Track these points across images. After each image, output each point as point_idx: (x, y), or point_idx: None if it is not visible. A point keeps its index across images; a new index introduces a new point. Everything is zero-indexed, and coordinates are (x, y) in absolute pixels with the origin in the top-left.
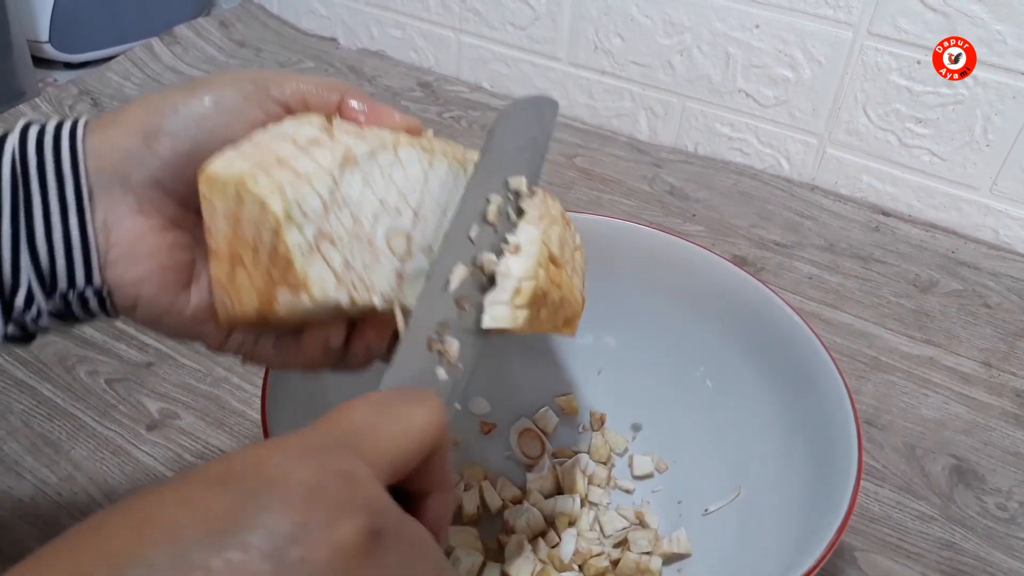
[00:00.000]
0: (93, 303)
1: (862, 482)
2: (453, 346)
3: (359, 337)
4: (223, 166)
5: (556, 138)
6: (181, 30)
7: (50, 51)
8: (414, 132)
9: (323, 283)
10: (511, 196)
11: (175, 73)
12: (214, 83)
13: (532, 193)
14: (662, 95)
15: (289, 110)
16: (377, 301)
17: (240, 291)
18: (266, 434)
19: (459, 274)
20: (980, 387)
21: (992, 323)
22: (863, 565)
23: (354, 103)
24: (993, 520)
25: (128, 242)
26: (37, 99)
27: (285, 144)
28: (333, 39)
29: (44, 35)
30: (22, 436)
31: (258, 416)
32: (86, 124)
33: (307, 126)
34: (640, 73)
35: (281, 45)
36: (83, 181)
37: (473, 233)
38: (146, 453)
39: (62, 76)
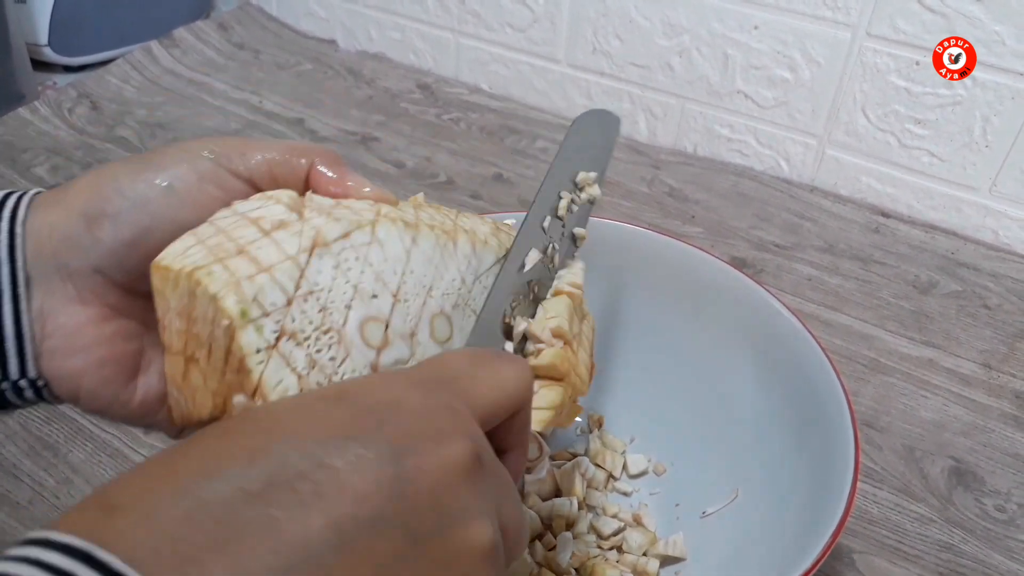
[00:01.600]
0: (29, 393)
1: (861, 484)
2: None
3: None
4: (177, 257)
5: (555, 140)
6: (180, 33)
7: (49, 54)
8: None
9: (282, 387)
10: (577, 191)
11: (174, 76)
12: (167, 159)
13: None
14: (661, 96)
15: (253, 184)
16: None
17: (195, 392)
18: None
19: (533, 257)
20: (980, 389)
21: (992, 324)
22: (861, 567)
23: (324, 170)
24: (992, 522)
25: (65, 333)
26: (36, 102)
27: (248, 229)
28: (332, 41)
29: (43, 38)
30: (20, 439)
31: None
32: (30, 202)
33: (275, 206)
34: (639, 74)
35: (280, 47)
36: (19, 267)
37: (546, 223)
38: (143, 456)
39: (61, 79)
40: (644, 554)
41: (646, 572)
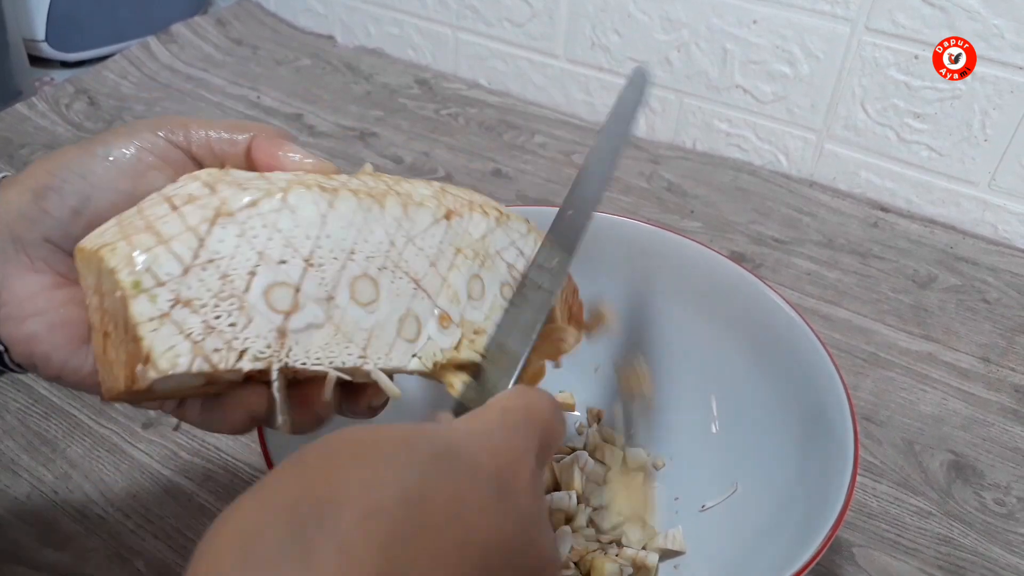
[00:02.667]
0: None
1: (860, 478)
2: None
3: (295, 410)
4: (92, 238)
5: (553, 135)
6: (178, 28)
7: (47, 50)
8: (326, 173)
9: (173, 353)
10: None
11: (172, 72)
12: (112, 135)
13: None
14: (660, 91)
15: (194, 158)
16: (245, 364)
17: (112, 365)
18: (263, 442)
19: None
20: (979, 383)
21: (991, 318)
22: (861, 561)
23: (262, 144)
24: (991, 515)
25: (19, 299)
26: (34, 98)
27: (160, 207)
28: (330, 36)
29: (40, 34)
30: (18, 434)
31: None
32: None
33: (192, 183)
34: None
35: (278, 43)
36: None
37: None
38: (142, 451)
39: (59, 75)
40: (643, 548)
41: (645, 566)
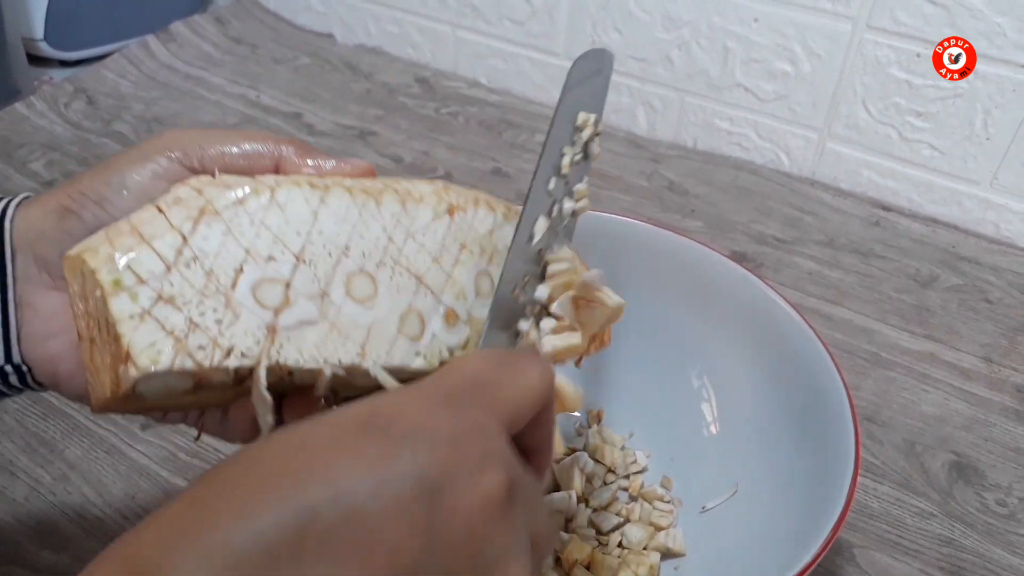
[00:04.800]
0: (14, 379)
1: (861, 479)
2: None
3: (288, 413)
4: (79, 246)
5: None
6: (177, 27)
7: (45, 49)
8: (369, 175)
9: (154, 350)
10: (579, 136)
11: (171, 70)
12: (128, 161)
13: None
14: (660, 90)
15: (211, 175)
16: (232, 362)
17: (99, 371)
18: None
19: (542, 226)
20: (981, 383)
21: (993, 318)
22: (862, 562)
23: (294, 162)
24: (993, 516)
25: (43, 318)
26: (32, 97)
27: (147, 211)
28: (330, 35)
29: (39, 33)
30: (16, 435)
31: None
32: (17, 204)
33: (182, 188)
34: (638, 68)
35: (277, 41)
36: (7, 262)
37: (552, 186)
38: (140, 452)
39: (58, 74)
40: (644, 548)
41: (646, 564)
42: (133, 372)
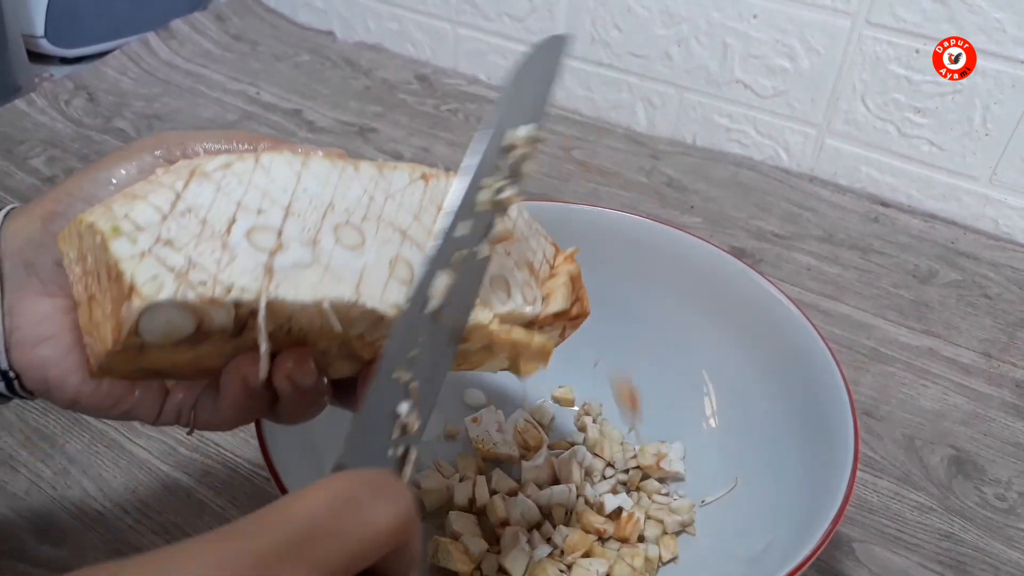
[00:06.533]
0: (1, 386)
1: (860, 473)
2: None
3: (278, 371)
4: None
5: (553, 130)
6: (177, 24)
7: (45, 46)
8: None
9: (157, 283)
10: (505, 155)
11: (171, 68)
12: (114, 160)
13: (539, 140)
14: (660, 86)
15: None
16: (233, 295)
17: (98, 327)
18: (260, 436)
19: (440, 284)
20: (979, 378)
21: (992, 313)
22: (861, 556)
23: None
24: (992, 511)
25: (32, 323)
26: (33, 94)
27: (141, 184)
28: (330, 32)
29: (39, 30)
30: (16, 430)
31: None
32: (6, 214)
33: (171, 166)
34: (638, 64)
35: (277, 38)
36: None
37: (458, 233)
38: (141, 447)
39: (58, 71)
40: (640, 540)
41: (646, 559)
42: (137, 303)
